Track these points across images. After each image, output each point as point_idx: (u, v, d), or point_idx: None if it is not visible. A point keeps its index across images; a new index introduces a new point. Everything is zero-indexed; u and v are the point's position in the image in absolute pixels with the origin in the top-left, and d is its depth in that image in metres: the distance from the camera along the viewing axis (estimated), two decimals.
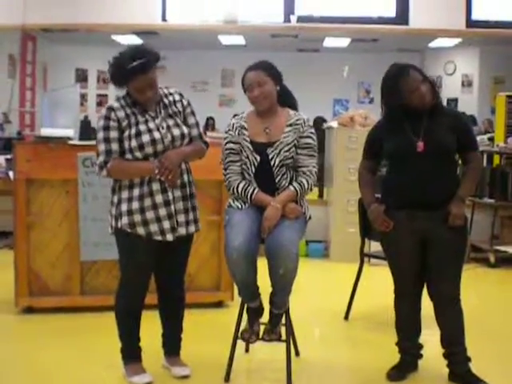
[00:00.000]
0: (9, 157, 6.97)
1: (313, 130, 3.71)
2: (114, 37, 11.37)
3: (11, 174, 5.59)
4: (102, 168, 3.44)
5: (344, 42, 11.78)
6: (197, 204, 3.67)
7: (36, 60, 10.98)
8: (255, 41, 11.43)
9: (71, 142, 5.00)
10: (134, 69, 3.31)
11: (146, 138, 3.41)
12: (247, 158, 3.63)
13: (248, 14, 8.87)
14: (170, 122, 3.52)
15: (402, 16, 8.77)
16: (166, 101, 3.57)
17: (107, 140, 3.43)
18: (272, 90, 3.64)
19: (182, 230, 3.54)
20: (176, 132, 3.51)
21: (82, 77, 13.78)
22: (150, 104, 3.48)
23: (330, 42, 11.73)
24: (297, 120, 3.67)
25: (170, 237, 3.49)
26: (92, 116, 11.60)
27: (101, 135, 3.44)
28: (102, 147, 3.44)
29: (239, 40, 11.47)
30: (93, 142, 5.46)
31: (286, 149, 3.61)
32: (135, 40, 11.31)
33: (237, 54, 12.94)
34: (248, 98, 3.68)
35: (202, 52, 13.04)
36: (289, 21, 8.76)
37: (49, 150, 4.81)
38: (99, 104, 13.86)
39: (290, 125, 3.66)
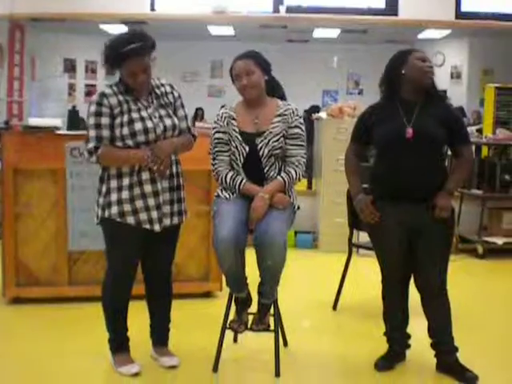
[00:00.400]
0: None
1: (301, 121, 3.71)
2: (103, 26, 11.30)
3: None
4: (91, 154, 3.41)
5: (333, 33, 11.77)
6: (183, 195, 3.66)
7: (24, 49, 10.90)
8: (244, 31, 11.40)
9: (59, 132, 4.98)
10: (130, 51, 3.31)
11: (138, 126, 3.40)
12: (236, 148, 3.63)
13: (237, 4, 8.84)
14: (163, 112, 3.52)
15: (392, 7, 8.76)
16: (157, 91, 3.57)
17: (98, 126, 3.40)
18: (260, 79, 3.63)
19: (166, 221, 3.53)
20: (168, 122, 3.51)
21: (70, 66, 13.70)
22: (141, 90, 3.46)
23: (319, 33, 11.72)
24: (285, 110, 3.66)
25: (157, 227, 3.48)
26: (80, 106, 11.55)
27: (92, 121, 3.41)
28: (92, 133, 3.41)
29: (228, 30, 11.44)
30: (81, 132, 5.45)
31: (275, 139, 3.60)
32: (124, 30, 11.25)
33: (226, 45, 12.87)
34: (236, 88, 3.67)
35: (192, 42, 13.00)
36: (278, 11, 8.74)
37: (36, 140, 4.78)
38: (87, 94, 13.78)
39: (279, 115, 3.65)
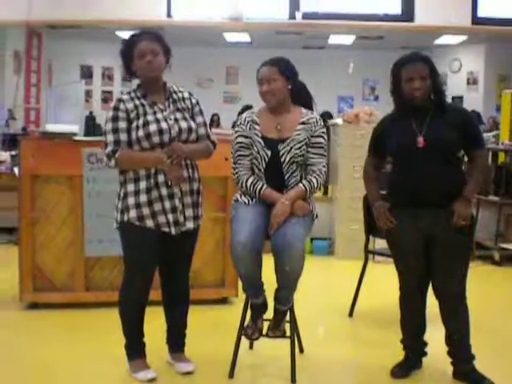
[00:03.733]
0: (14, 153, 6.99)
1: (324, 130, 3.72)
2: (119, 33, 11.35)
3: (16, 170, 5.58)
4: (109, 158, 3.44)
5: (349, 40, 11.78)
6: (201, 200, 3.68)
7: (41, 56, 10.99)
8: (260, 38, 11.44)
9: (76, 138, 5.00)
10: (138, 35, 3.53)
11: (153, 127, 3.44)
12: (258, 153, 3.64)
13: (253, 10, 8.86)
14: (178, 115, 3.56)
15: (408, 13, 8.76)
16: (175, 96, 3.62)
17: (116, 130, 3.44)
18: (281, 87, 3.64)
19: (189, 224, 3.54)
20: (183, 125, 3.54)
21: (87, 73, 13.78)
22: (151, 71, 3.50)
23: (335, 39, 11.73)
24: (309, 119, 3.68)
25: (173, 230, 3.49)
26: (97, 112, 11.62)
27: (109, 126, 3.45)
28: (110, 138, 3.45)
29: (244, 37, 11.47)
30: (98, 138, 5.48)
31: (297, 146, 3.61)
32: None
33: (242, 52, 12.96)
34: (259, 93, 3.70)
35: (207, 49, 13.04)
36: (294, 18, 8.75)
37: (54, 146, 4.80)
38: (104, 100, 13.87)
39: (303, 123, 3.66)
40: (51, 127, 5.20)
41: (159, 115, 3.49)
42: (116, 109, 3.46)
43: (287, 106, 3.71)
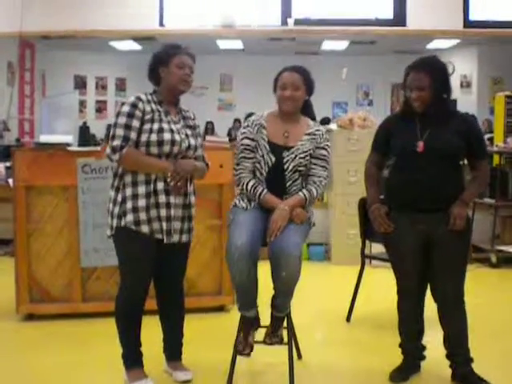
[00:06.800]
0: (8, 164, 6.97)
1: (329, 143, 3.75)
2: (112, 43, 11.38)
3: (11, 181, 5.57)
4: (115, 151, 3.40)
5: (342, 45, 11.82)
6: (194, 213, 3.68)
7: (34, 67, 11.01)
8: (253, 45, 11.46)
9: (70, 148, 5.00)
10: (184, 48, 3.64)
11: (167, 136, 3.45)
12: (262, 157, 3.65)
13: (245, 17, 8.89)
14: (189, 131, 3.61)
15: (400, 17, 8.80)
16: (184, 114, 3.67)
17: (128, 127, 3.42)
18: (302, 97, 3.70)
19: (176, 237, 3.54)
20: (193, 142, 3.59)
21: (80, 83, 13.80)
22: (183, 87, 3.60)
23: (328, 45, 11.77)
24: (316, 131, 3.72)
25: (165, 239, 3.49)
26: (91, 122, 11.63)
27: (123, 120, 3.43)
28: (120, 132, 3.42)
29: (237, 44, 11.50)
30: (92, 148, 5.48)
31: (302, 156, 3.64)
32: (133, 46, 11.34)
33: (235, 59, 12.98)
34: (276, 96, 3.71)
35: (200, 57, 12.83)
36: (286, 24, 8.78)
37: (48, 157, 4.80)
38: (98, 110, 13.87)
39: (309, 134, 3.70)
40: (45, 138, 5.20)
41: (173, 126, 3.52)
42: (134, 106, 3.45)
43: (297, 116, 3.75)
